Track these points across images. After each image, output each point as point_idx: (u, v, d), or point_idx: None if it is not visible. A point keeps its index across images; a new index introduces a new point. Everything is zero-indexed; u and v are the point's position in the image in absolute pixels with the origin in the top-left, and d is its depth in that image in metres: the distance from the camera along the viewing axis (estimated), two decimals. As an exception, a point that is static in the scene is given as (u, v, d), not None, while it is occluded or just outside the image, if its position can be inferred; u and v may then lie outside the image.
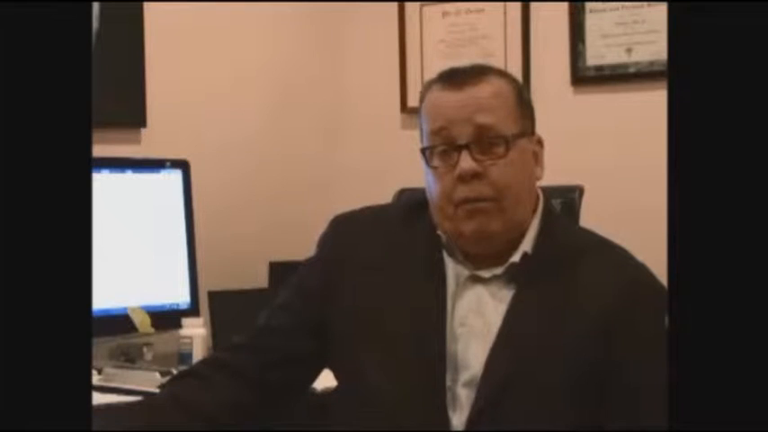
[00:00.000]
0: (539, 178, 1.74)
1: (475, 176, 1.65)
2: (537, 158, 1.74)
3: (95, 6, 2.84)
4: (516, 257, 1.69)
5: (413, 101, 3.27)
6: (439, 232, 1.72)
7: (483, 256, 1.70)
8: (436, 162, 1.68)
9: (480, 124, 1.66)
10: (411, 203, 1.82)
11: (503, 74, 1.74)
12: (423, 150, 1.70)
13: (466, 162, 1.65)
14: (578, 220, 2.24)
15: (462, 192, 1.66)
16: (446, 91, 1.69)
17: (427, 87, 1.74)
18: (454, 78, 1.70)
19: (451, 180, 1.66)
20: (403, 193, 2.35)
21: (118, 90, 2.89)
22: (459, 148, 1.66)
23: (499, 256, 1.69)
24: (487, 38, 3.18)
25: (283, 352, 1.74)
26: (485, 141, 1.66)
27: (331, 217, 1.84)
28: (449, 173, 1.67)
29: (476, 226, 1.66)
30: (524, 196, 1.70)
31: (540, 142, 1.75)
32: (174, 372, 2.26)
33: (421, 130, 1.73)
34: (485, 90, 1.68)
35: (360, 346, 1.70)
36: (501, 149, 1.66)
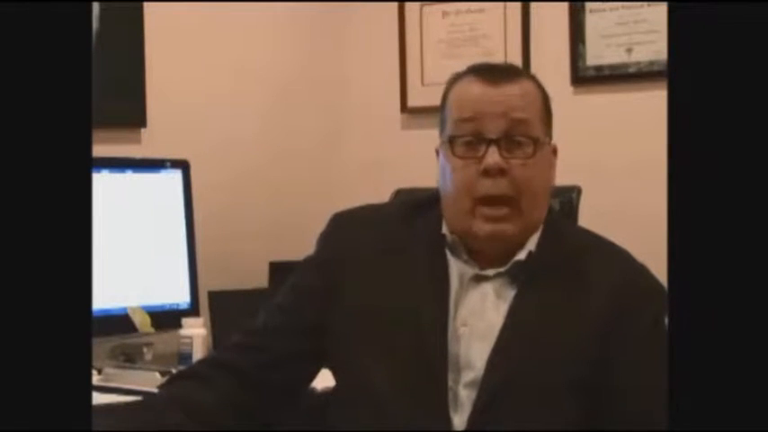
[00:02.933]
0: (552, 185, 1.75)
1: (500, 173, 1.65)
2: (552, 164, 1.74)
3: (95, 6, 2.85)
4: (521, 256, 1.69)
5: (413, 101, 3.28)
6: (444, 231, 1.72)
7: (489, 255, 1.70)
8: (460, 152, 1.68)
9: (514, 120, 1.66)
10: (412, 202, 1.81)
11: (533, 78, 1.75)
12: (450, 139, 1.69)
13: (493, 157, 1.65)
14: (576, 219, 2.24)
15: (484, 187, 1.65)
16: (481, 83, 1.68)
17: (455, 79, 1.73)
18: (491, 73, 1.70)
19: (474, 173, 1.66)
20: (400, 193, 2.36)
21: (118, 90, 2.89)
22: (488, 142, 1.65)
23: (503, 255, 1.69)
24: (487, 38, 3.18)
25: (282, 352, 1.74)
26: (514, 139, 1.66)
27: (331, 215, 1.84)
28: (472, 165, 1.66)
29: (492, 229, 1.66)
30: (541, 200, 1.71)
31: (555, 151, 1.75)
32: (174, 372, 2.26)
33: (443, 119, 1.72)
34: (520, 88, 1.69)
35: (360, 345, 1.70)
36: (530, 149, 1.66)
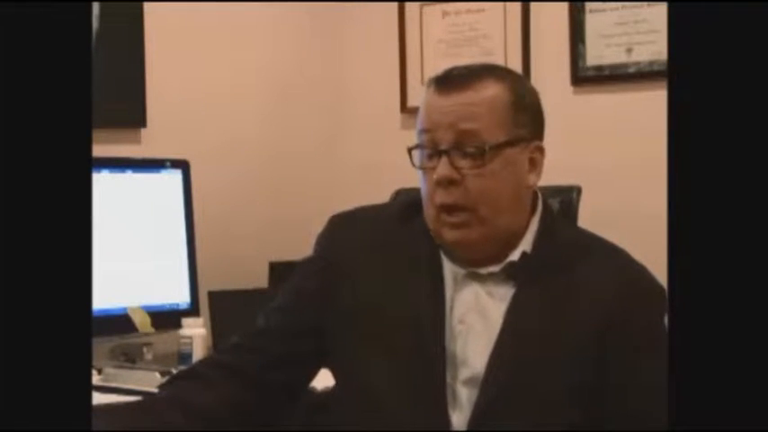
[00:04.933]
0: (531, 186, 1.72)
1: (451, 183, 1.65)
2: (534, 165, 1.71)
3: (95, 6, 2.85)
4: (515, 256, 1.69)
5: (413, 101, 3.28)
6: (435, 231, 1.73)
7: (476, 256, 1.70)
8: (421, 163, 1.69)
9: (461, 131, 1.65)
10: (408, 202, 1.82)
11: (502, 77, 1.71)
12: (409, 150, 1.71)
13: (443, 168, 1.65)
14: (576, 219, 2.24)
15: (440, 196, 1.66)
16: (435, 94, 1.69)
17: (427, 86, 1.73)
18: (444, 82, 1.69)
19: (433, 182, 1.67)
20: (399, 193, 2.36)
21: (118, 90, 2.89)
22: (440, 153, 1.66)
23: (497, 256, 1.69)
24: (487, 38, 3.18)
25: (282, 352, 1.74)
26: (464, 149, 1.66)
27: (330, 217, 1.84)
28: (430, 176, 1.67)
29: (456, 235, 1.67)
30: (508, 204, 1.68)
31: (539, 149, 1.72)
32: (174, 372, 2.26)
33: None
34: (472, 97, 1.66)
35: (359, 345, 1.70)
36: (479, 160, 1.65)
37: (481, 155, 1.65)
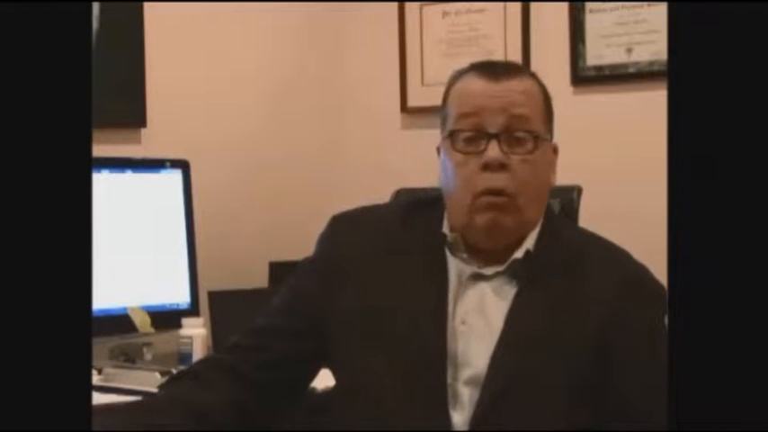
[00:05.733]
0: (552, 185, 1.75)
1: (500, 167, 1.65)
2: (551, 165, 1.74)
3: (95, 6, 2.85)
4: (519, 254, 1.69)
5: (413, 101, 3.28)
6: (444, 230, 1.72)
7: (487, 252, 1.70)
8: (461, 146, 1.68)
9: (515, 115, 1.66)
10: (410, 202, 1.82)
11: (535, 76, 1.76)
12: (451, 133, 1.69)
13: (494, 151, 1.65)
14: (577, 219, 2.24)
15: (484, 181, 1.65)
16: (482, 79, 1.69)
17: (457, 76, 1.73)
18: (492, 69, 1.70)
19: (475, 167, 1.66)
20: (400, 193, 2.36)
21: (118, 90, 2.89)
22: (489, 137, 1.66)
23: (502, 254, 1.69)
24: (487, 38, 3.18)
25: (282, 352, 1.74)
26: (514, 135, 1.66)
27: (330, 217, 1.84)
28: (472, 160, 1.66)
29: (490, 219, 1.66)
30: (539, 197, 1.71)
31: (555, 150, 1.75)
32: (174, 372, 2.26)
33: (444, 116, 1.72)
34: (520, 86, 1.69)
35: (360, 345, 1.70)
36: (530, 145, 1.67)
37: (533, 139, 1.67)
